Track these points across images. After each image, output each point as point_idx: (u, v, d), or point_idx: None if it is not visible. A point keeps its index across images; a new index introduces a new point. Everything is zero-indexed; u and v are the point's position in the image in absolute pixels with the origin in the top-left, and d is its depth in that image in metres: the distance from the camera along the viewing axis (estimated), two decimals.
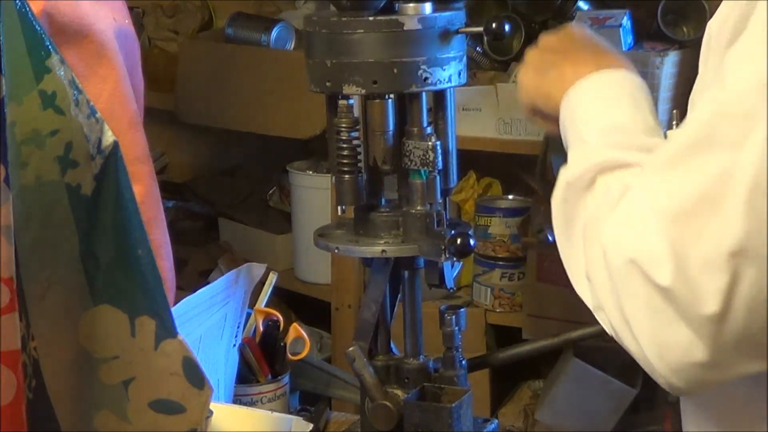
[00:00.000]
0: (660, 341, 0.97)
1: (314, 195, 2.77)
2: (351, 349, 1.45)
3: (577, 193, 1.12)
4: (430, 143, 1.40)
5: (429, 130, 1.46)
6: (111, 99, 1.65)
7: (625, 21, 2.32)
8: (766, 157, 0.92)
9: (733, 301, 0.93)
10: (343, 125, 1.44)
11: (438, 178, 1.43)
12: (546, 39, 1.33)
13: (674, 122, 1.26)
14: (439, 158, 1.41)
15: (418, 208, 1.45)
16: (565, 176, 1.14)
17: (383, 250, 1.45)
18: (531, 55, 1.33)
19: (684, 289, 0.94)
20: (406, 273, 1.50)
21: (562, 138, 1.23)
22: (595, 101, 1.21)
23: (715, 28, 1.05)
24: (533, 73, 1.31)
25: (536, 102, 1.30)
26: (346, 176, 1.45)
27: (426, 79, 1.42)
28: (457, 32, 1.44)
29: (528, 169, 2.53)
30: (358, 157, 1.45)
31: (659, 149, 1.03)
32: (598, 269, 1.04)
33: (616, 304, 1.01)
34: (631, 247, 0.98)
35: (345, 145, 1.44)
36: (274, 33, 2.90)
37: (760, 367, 0.97)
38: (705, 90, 1.05)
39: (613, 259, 1.00)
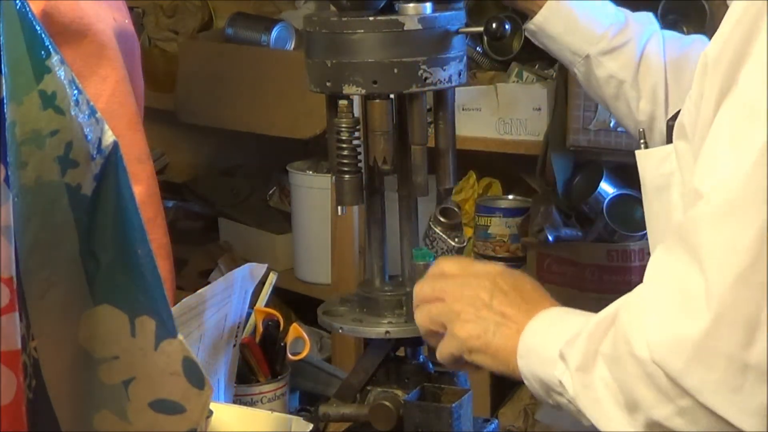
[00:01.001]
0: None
1: (314, 195, 2.77)
2: (323, 412, 1.46)
3: (590, 372, 1.12)
4: (460, 245, 1.42)
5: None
6: (111, 99, 1.65)
7: None
8: None
9: None
10: (343, 125, 1.44)
11: None
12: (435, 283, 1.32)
13: (642, 141, 1.25)
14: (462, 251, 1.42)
15: None
16: (568, 370, 1.14)
17: (387, 331, 1.46)
18: (423, 293, 1.33)
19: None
20: None
21: (537, 384, 1.22)
22: (546, 334, 1.21)
23: (711, 57, 1.04)
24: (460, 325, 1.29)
25: (465, 356, 1.29)
26: (346, 176, 1.45)
27: (426, 79, 1.42)
28: (457, 32, 1.44)
29: (528, 169, 2.54)
30: (358, 157, 1.45)
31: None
32: (644, 389, 1.04)
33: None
34: (689, 342, 0.99)
35: (345, 145, 1.44)
36: (274, 33, 2.90)
37: None
38: (699, 123, 1.06)
39: (673, 367, 1.00)
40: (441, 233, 1.40)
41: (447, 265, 1.35)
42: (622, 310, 1.10)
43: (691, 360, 0.98)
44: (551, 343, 1.19)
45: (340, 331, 1.49)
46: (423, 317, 1.33)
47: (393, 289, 1.51)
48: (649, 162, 1.23)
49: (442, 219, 1.41)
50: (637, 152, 1.25)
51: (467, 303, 1.28)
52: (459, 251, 1.41)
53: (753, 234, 0.96)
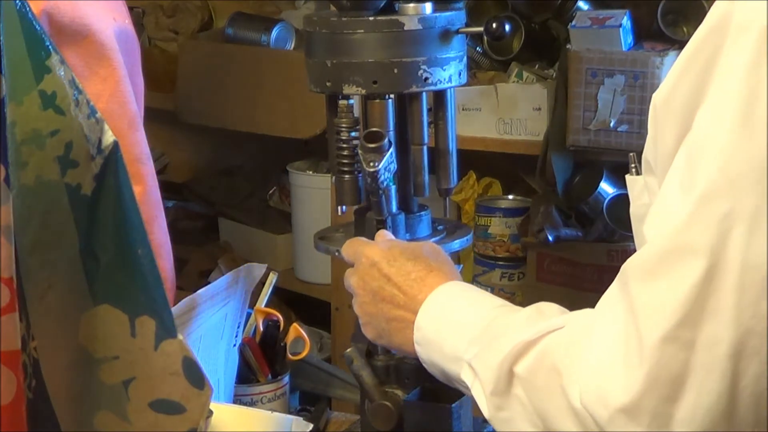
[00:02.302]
0: None
1: (314, 195, 2.77)
2: (349, 350, 1.46)
3: (506, 394, 1.11)
4: (371, 169, 1.38)
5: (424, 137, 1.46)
6: (111, 99, 1.65)
7: (625, 21, 2.31)
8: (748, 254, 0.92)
9: (738, 400, 0.93)
10: (343, 125, 1.44)
11: (382, 198, 1.42)
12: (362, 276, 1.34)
13: (632, 165, 1.23)
14: (383, 183, 1.39)
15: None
16: (483, 392, 1.14)
17: None
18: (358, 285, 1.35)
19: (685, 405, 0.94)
20: None
21: (438, 373, 1.25)
22: (444, 325, 1.23)
23: (659, 102, 1.03)
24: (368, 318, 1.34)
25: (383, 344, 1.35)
26: (346, 176, 1.45)
27: (426, 79, 1.42)
28: (457, 32, 1.44)
29: (528, 169, 2.54)
30: (358, 157, 1.45)
31: (635, 259, 1.01)
32: (569, 424, 1.03)
33: None
34: (618, 398, 0.97)
35: (345, 145, 1.44)
36: (274, 33, 2.90)
37: None
38: (658, 161, 1.04)
39: (600, 414, 0.99)
40: (361, 155, 1.38)
41: (359, 249, 1.37)
42: (558, 340, 1.08)
43: (618, 414, 0.97)
44: (450, 336, 1.21)
45: (336, 254, 1.48)
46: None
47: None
48: (633, 189, 1.21)
49: (364, 142, 1.39)
50: (627, 177, 1.24)
51: (365, 300, 1.33)
52: (372, 176, 1.39)
53: (683, 289, 0.94)
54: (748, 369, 0.92)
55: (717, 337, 0.92)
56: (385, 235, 1.41)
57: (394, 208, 1.44)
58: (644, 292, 0.97)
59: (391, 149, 1.38)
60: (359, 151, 1.38)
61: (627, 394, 0.96)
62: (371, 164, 1.36)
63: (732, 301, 0.92)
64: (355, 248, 1.38)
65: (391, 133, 1.45)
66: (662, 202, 1.01)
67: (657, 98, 1.03)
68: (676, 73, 1.00)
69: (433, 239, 1.49)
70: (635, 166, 1.19)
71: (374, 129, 1.39)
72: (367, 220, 1.46)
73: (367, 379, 1.45)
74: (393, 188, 1.42)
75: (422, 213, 1.51)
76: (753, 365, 0.92)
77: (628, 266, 1.00)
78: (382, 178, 1.37)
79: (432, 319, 1.25)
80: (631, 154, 1.22)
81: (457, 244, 1.50)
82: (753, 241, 0.92)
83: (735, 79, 0.94)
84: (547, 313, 1.15)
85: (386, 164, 1.37)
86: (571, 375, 1.03)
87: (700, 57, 0.97)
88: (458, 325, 1.22)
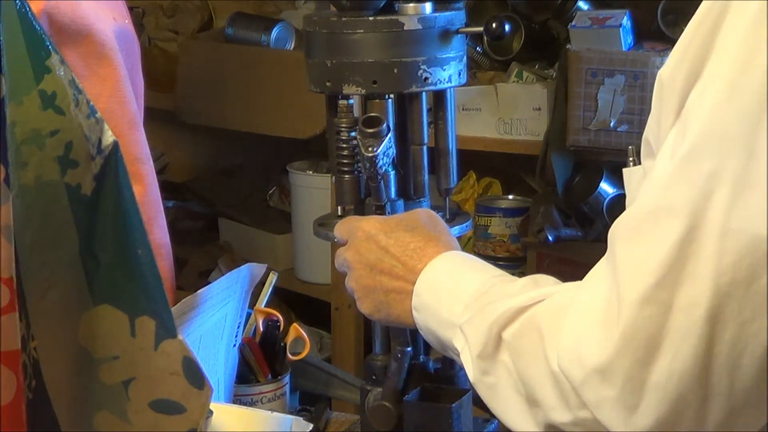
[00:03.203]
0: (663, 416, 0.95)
1: (314, 195, 2.77)
2: (399, 348, 1.44)
3: (492, 358, 1.11)
4: (370, 154, 1.37)
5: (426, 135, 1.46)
6: (111, 99, 1.65)
7: (625, 21, 2.32)
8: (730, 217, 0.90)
9: (712, 365, 0.92)
10: (343, 125, 1.44)
11: (381, 183, 1.41)
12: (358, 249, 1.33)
13: (630, 159, 1.22)
14: (381, 168, 1.39)
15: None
16: (470, 354, 1.14)
17: None
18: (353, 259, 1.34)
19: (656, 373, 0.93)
20: None
21: (434, 340, 1.25)
22: (441, 291, 1.23)
23: (665, 77, 1.01)
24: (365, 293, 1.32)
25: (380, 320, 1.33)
26: (346, 176, 1.45)
27: (426, 79, 1.42)
28: (457, 32, 1.44)
29: (528, 169, 2.54)
30: (358, 157, 1.45)
31: (620, 220, 1.00)
32: (547, 390, 1.03)
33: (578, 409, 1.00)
34: (593, 357, 0.96)
35: (345, 145, 1.44)
36: (274, 33, 2.90)
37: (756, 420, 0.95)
38: (660, 140, 1.03)
39: (574, 375, 0.98)
40: (360, 140, 1.38)
41: (354, 224, 1.36)
42: (545, 306, 1.08)
43: (591, 375, 0.96)
44: (446, 301, 1.21)
45: (336, 240, 1.48)
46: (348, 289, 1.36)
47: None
48: (631, 180, 1.21)
49: (362, 127, 1.39)
50: (624, 170, 1.23)
51: (361, 275, 1.31)
52: (370, 161, 1.38)
53: (664, 250, 0.92)
54: (723, 334, 0.91)
55: (694, 300, 0.91)
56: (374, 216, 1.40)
57: (393, 194, 1.44)
58: (626, 253, 0.96)
59: (390, 134, 1.38)
60: (357, 137, 1.37)
61: (602, 353, 0.95)
62: (370, 149, 1.35)
63: (711, 264, 0.90)
64: (349, 225, 1.36)
65: (391, 133, 1.45)
66: (656, 166, 1.00)
67: (663, 74, 1.02)
68: (681, 49, 0.99)
69: None
70: (633, 160, 1.19)
71: (373, 114, 1.39)
72: (366, 206, 1.46)
73: (393, 383, 1.44)
74: (392, 174, 1.42)
75: (421, 199, 1.51)
76: (729, 330, 0.91)
77: (614, 228, 0.99)
78: (380, 163, 1.37)
79: (430, 285, 1.25)
80: (630, 147, 1.22)
81: (456, 231, 1.50)
82: (736, 204, 0.90)
83: (730, 46, 0.93)
84: (542, 283, 1.15)
85: (384, 149, 1.37)
86: (552, 337, 1.02)
87: (701, 31, 0.96)
88: (455, 290, 1.21)
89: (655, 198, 0.95)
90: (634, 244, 0.95)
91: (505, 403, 1.10)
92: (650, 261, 0.93)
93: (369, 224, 1.33)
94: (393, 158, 1.40)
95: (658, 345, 0.92)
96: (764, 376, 0.92)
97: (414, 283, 1.26)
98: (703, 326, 0.91)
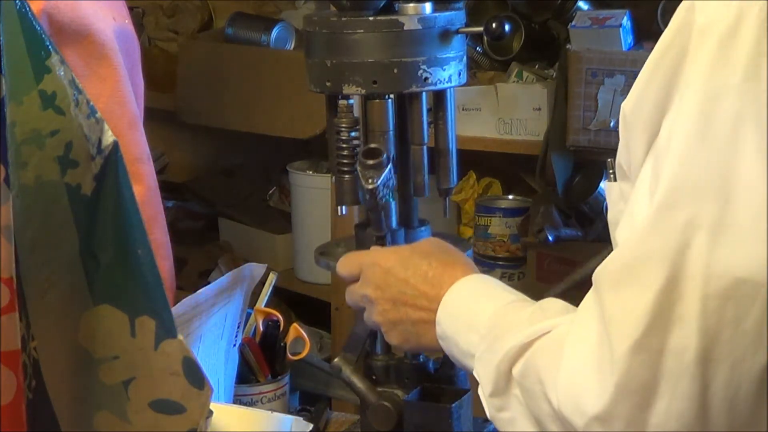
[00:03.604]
0: None
1: (314, 195, 2.77)
2: (336, 360, 1.46)
3: (504, 395, 1.13)
4: (370, 186, 1.37)
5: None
6: (111, 99, 1.65)
7: (625, 21, 2.32)
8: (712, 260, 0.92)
9: (710, 404, 0.94)
10: (343, 125, 1.44)
11: (381, 214, 1.42)
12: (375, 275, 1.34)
13: (610, 171, 1.22)
14: (382, 199, 1.39)
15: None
16: (484, 392, 1.16)
17: None
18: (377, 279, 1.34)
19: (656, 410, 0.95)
20: None
21: (461, 368, 1.27)
22: (459, 321, 1.24)
23: (628, 109, 1.03)
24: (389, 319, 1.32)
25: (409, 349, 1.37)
26: (346, 176, 1.45)
27: (426, 79, 1.42)
28: (457, 32, 1.44)
29: (528, 169, 2.54)
30: (358, 156, 1.45)
31: (607, 263, 1.01)
32: (556, 429, 1.05)
33: None
34: (592, 406, 0.98)
35: (345, 145, 1.44)
36: (274, 33, 2.90)
37: None
38: (633, 166, 1.04)
39: (576, 422, 1.00)
40: (360, 171, 1.38)
41: (365, 260, 1.36)
42: (543, 346, 1.09)
43: (593, 422, 0.98)
44: (464, 331, 1.22)
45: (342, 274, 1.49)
46: (365, 322, 1.37)
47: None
48: (611, 194, 1.21)
49: (362, 158, 1.40)
50: (604, 184, 1.24)
51: (385, 308, 1.32)
52: (370, 193, 1.38)
53: (649, 298, 0.94)
54: (717, 375, 0.93)
55: (684, 344, 0.93)
56: (379, 249, 1.40)
57: (394, 224, 1.44)
58: (612, 301, 0.97)
59: (390, 165, 1.38)
60: (358, 168, 1.38)
61: (600, 402, 0.97)
62: (370, 181, 1.36)
63: (696, 308, 0.92)
64: (358, 260, 1.37)
65: (391, 133, 1.45)
66: (632, 209, 1.01)
67: (626, 107, 1.03)
68: (644, 80, 1.00)
69: None
70: (613, 172, 1.19)
71: (373, 146, 1.39)
72: (366, 236, 1.46)
73: (360, 384, 1.45)
74: (393, 204, 1.42)
75: (422, 228, 1.51)
76: (721, 371, 0.93)
77: (599, 274, 1.01)
78: (381, 194, 1.37)
79: (449, 314, 1.25)
80: (609, 159, 1.22)
81: None
82: (714, 249, 0.92)
83: (694, 85, 0.94)
84: (549, 311, 1.15)
85: (384, 180, 1.37)
86: (550, 383, 1.04)
87: (666, 62, 0.97)
88: (472, 320, 1.22)
89: (635, 246, 0.97)
90: (620, 292, 0.97)
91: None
92: (637, 309, 0.95)
93: (383, 258, 1.34)
94: (393, 188, 1.40)
95: (654, 389, 0.95)
96: (760, 411, 0.94)
97: (437, 312, 1.26)
98: (695, 368, 0.93)
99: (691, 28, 0.95)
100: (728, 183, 0.92)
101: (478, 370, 1.17)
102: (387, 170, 1.37)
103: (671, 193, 0.94)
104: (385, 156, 1.37)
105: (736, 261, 0.91)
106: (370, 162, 1.37)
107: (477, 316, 1.21)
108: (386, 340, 1.34)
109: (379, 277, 1.32)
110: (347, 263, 1.38)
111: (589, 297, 1.03)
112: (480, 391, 1.16)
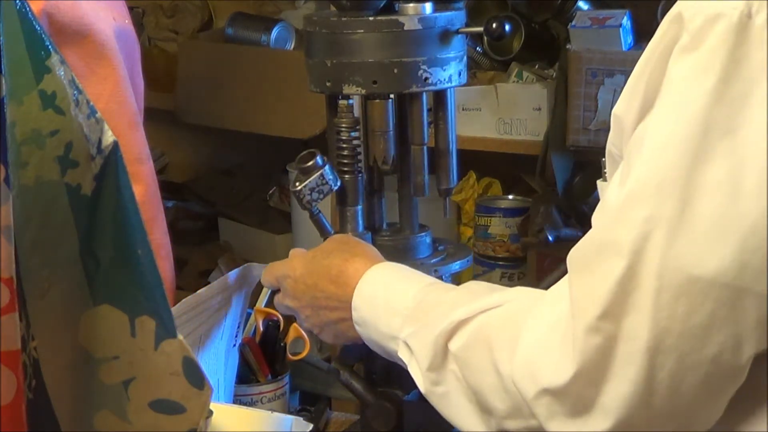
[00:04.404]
0: None
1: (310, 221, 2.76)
2: (332, 364, 1.47)
3: (441, 369, 1.17)
4: (295, 188, 1.41)
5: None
6: (111, 99, 1.65)
7: (625, 21, 2.32)
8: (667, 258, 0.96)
9: (655, 390, 0.98)
10: (344, 125, 1.44)
11: (320, 217, 1.47)
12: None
13: (605, 171, 1.24)
14: (309, 204, 1.43)
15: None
16: (419, 368, 1.19)
17: None
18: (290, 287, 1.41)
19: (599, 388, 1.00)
20: None
21: (380, 351, 1.31)
22: (378, 305, 1.28)
23: (620, 112, 1.06)
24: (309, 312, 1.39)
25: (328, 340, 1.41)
26: (347, 176, 1.45)
27: (426, 79, 1.42)
28: (457, 32, 1.44)
29: (528, 169, 2.54)
30: (358, 157, 1.45)
31: (574, 251, 1.06)
32: (499, 401, 1.09)
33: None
34: (548, 379, 1.03)
35: (345, 145, 1.44)
36: (274, 33, 2.90)
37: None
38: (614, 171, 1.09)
39: (527, 389, 1.04)
40: (294, 173, 1.42)
41: (278, 273, 1.43)
42: (494, 317, 1.13)
43: (543, 392, 1.03)
44: (383, 315, 1.27)
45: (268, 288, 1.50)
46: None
47: (391, 235, 1.52)
48: (604, 194, 1.24)
49: (297, 163, 1.42)
50: (598, 182, 1.26)
51: (308, 315, 1.39)
52: (296, 195, 1.43)
53: (607, 286, 0.98)
54: (664, 364, 0.97)
55: (636, 331, 0.97)
56: (296, 251, 1.46)
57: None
58: (577, 283, 1.02)
59: (321, 172, 1.40)
60: (293, 170, 1.41)
61: (557, 378, 1.01)
62: (297, 184, 1.40)
63: (650, 300, 0.96)
64: (274, 273, 1.43)
65: (391, 133, 1.45)
66: (605, 197, 1.06)
67: (617, 111, 1.07)
68: (631, 85, 1.04)
69: (433, 260, 1.50)
70: (605, 171, 1.22)
71: (311, 150, 1.41)
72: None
73: (359, 386, 1.45)
74: (322, 216, 1.46)
75: (423, 234, 1.52)
76: (669, 362, 0.97)
77: (571, 255, 1.06)
78: (307, 198, 1.40)
79: (366, 300, 1.30)
80: (603, 159, 1.24)
81: (457, 266, 1.51)
82: (671, 244, 0.96)
83: (671, 88, 0.98)
84: (478, 292, 1.20)
85: (312, 185, 1.40)
86: (504, 353, 1.08)
87: (651, 63, 1.01)
88: (391, 303, 1.26)
89: (601, 233, 1.02)
90: (583, 276, 1.02)
91: (458, 411, 1.16)
92: (595, 295, 0.99)
93: (292, 268, 1.40)
94: (327, 194, 1.43)
95: (605, 371, 0.99)
96: (703, 399, 0.99)
97: (351, 307, 1.31)
98: (644, 356, 0.97)
99: (675, 32, 0.99)
100: (691, 184, 0.96)
101: (412, 344, 1.20)
102: (316, 175, 1.39)
103: (638, 187, 0.98)
104: (316, 161, 1.39)
105: (691, 259, 0.95)
106: (302, 166, 1.40)
107: (396, 299, 1.26)
108: (321, 338, 1.40)
109: (292, 287, 1.39)
110: (267, 276, 1.45)
111: (563, 280, 1.08)
112: (414, 367, 1.20)
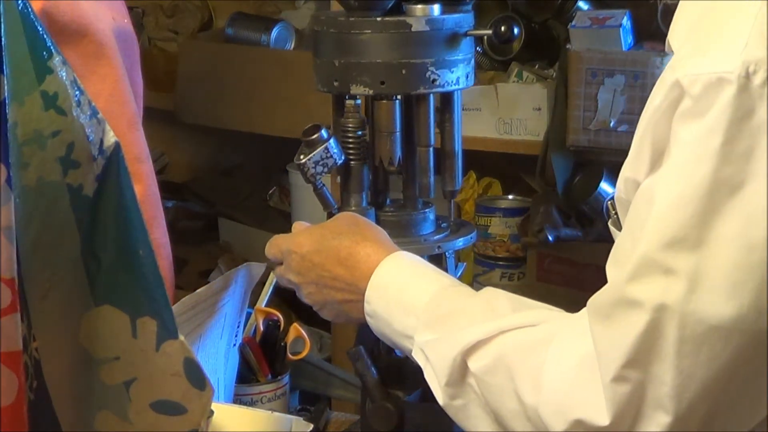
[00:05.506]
0: None
1: (314, 195, 2.76)
2: (354, 349, 1.46)
3: (459, 384, 1.18)
4: (300, 161, 1.41)
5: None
6: (110, 99, 1.65)
7: (625, 21, 2.32)
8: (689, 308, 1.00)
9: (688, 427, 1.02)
10: (350, 125, 1.44)
11: (324, 191, 1.47)
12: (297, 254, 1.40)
13: (612, 212, 1.27)
14: (313, 177, 1.43)
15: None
16: (436, 381, 1.21)
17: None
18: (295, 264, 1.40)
19: None
20: None
21: (390, 344, 1.32)
22: (392, 303, 1.28)
23: (629, 170, 1.10)
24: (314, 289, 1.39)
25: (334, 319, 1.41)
26: (353, 163, 1.46)
27: (434, 80, 1.42)
28: (465, 35, 1.44)
29: (528, 169, 2.54)
30: (364, 147, 1.46)
31: (594, 300, 1.09)
32: (520, 426, 1.12)
33: None
34: (576, 410, 1.06)
35: (352, 145, 1.45)
36: (274, 33, 2.90)
37: None
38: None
39: (553, 423, 1.07)
40: (301, 147, 1.42)
41: (283, 247, 1.42)
42: (514, 342, 1.15)
43: (577, 423, 1.06)
44: (398, 313, 1.27)
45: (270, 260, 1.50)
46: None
47: (394, 211, 1.52)
48: (617, 233, 1.27)
49: (302, 136, 1.42)
50: (609, 224, 1.29)
51: (310, 291, 1.39)
52: (300, 168, 1.42)
53: (631, 338, 1.02)
54: (694, 405, 1.01)
55: (661, 377, 1.01)
56: (300, 225, 1.45)
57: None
58: (601, 334, 1.06)
59: (326, 145, 1.40)
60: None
61: (592, 419, 1.05)
62: (301, 156, 1.39)
63: (672, 350, 1.00)
64: (279, 246, 1.42)
65: (397, 134, 1.45)
66: (619, 246, 1.09)
67: (627, 173, 1.10)
68: (638, 141, 1.08)
69: (436, 237, 1.50)
70: (615, 213, 1.23)
71: (316, 123, 1.41)
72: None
73: (371, 380, 1.45)
74: (326, 189, 1.45)
75: (426, 210, 1.51)
76: (697, 402, 1.01)
77: (592, 303, 1.09)
78: (311, 171, 1.40)
79: (379, 293, 1.30)
80: (609, 202, 1.28)
81: (460, 242, 1.51)
82: (690, 298, 0.99)
83: (678, 148, 1.01)
84: (497, 308, 1.21)
85: (317, 158, 1.39)
86: (527, 381, 1.10)
87: (656, 122, 1.04)
88: (405, 302, 1.27)
89: (620, 288, 1.05)
90: (606, 327, 1.05)
91: (476, 421, 1.18)
92: (621, 346, 1.03)
93: (298, 244, 1.39)
94: (331, 167, 1.42)
95: (638, 415, 1.03)
96: (737, 427, 1.04)
97: (359, 292, 1.31)
98: (671, 400, 1.01)
99: (676, 97, 1.02)
100: (705, 239, 0.99)
101: (430, 356, 1.21)
102: (321, 149, 1.39)
103: (654, 245, 1.01)
104: (321, 134, 1.39)
105: (711, 310, 0.99)
106: (306, 138, 1.39)
107: (412, 298, 1.26)
108: (321, 315, 1.40)
109: (297, 263, 1.38)
110: (270, 248, 1.45)
111: (583, 316, 1.11)
112: (431, 377, 1.21)
